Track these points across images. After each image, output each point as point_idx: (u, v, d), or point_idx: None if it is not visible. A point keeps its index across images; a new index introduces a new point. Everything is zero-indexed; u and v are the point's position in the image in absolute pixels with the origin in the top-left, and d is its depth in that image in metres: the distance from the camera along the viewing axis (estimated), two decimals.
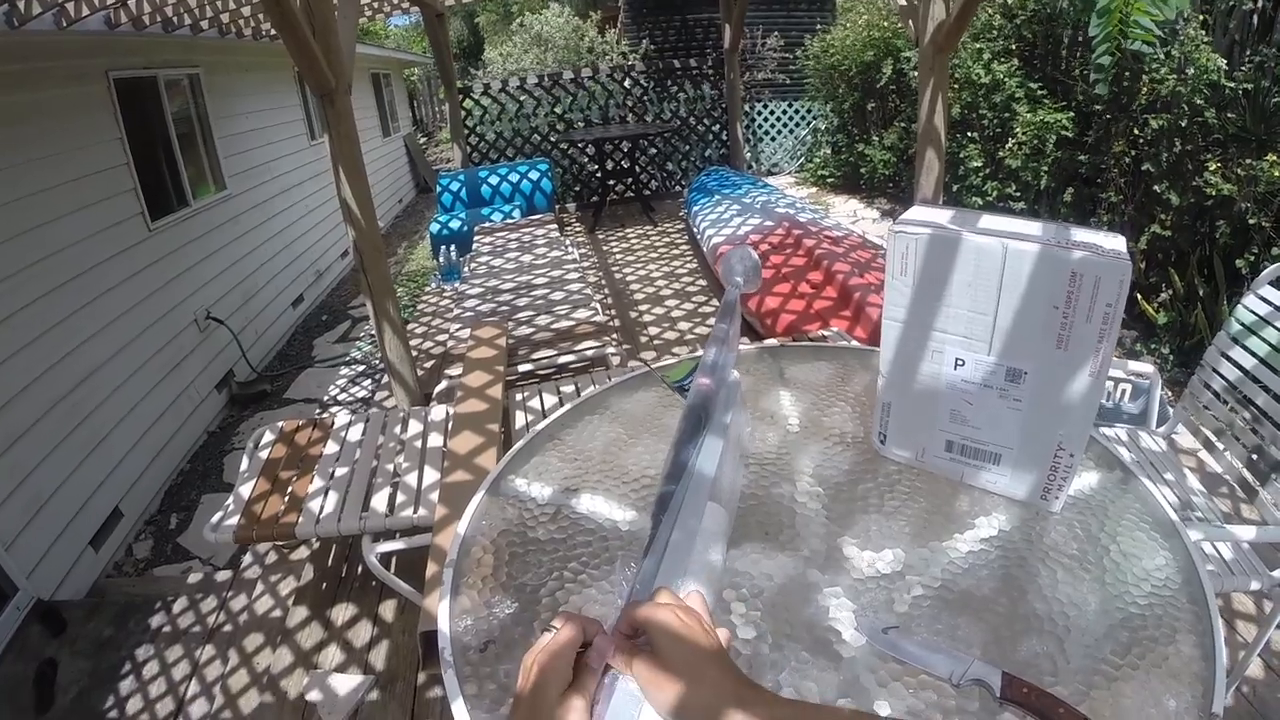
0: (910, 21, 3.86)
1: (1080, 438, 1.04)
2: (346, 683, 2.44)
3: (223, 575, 3.38)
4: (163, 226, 4.99)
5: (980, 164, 6.26)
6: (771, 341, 1.84)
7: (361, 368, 5.90)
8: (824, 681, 0.88)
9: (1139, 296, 4.75)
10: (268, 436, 3.07)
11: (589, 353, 3.65)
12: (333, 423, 3.13)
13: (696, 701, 0.60)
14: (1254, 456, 2.10)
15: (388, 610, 2.77)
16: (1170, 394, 4.00)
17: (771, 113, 10.76)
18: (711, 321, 5.16)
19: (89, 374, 4.01)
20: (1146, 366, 2.51)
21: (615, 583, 1.02)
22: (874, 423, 1.25)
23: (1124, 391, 3.21)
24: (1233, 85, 4.45)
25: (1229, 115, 4.51)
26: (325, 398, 5.50)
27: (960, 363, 1.09)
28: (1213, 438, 2.27)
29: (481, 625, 0.99)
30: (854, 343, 3.30)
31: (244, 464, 2.91)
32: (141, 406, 4.43)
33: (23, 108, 3.82)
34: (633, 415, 1.47)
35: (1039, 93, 5.86)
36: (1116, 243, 0.99)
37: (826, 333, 3.72)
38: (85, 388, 3.96)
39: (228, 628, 2.98)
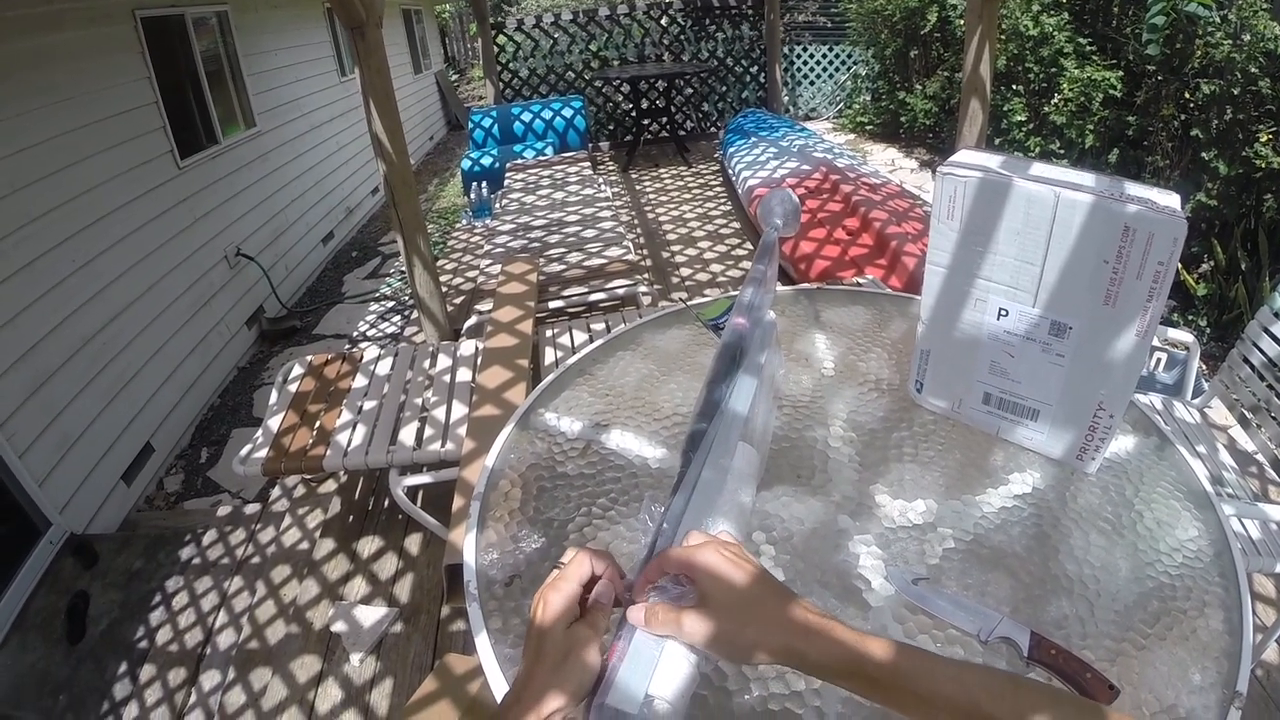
0: None
1: (1122, 399, 1.02)
2: (371, 614, 2.49)
3: (251, 508, 3.44)
4: (192, 164, 4.98)
5: (1024, 118, 6.10)
6: (806, 285, 1.82)
7: (391, 304, 5.92)
8: None
9: (1179, 265, 4.64)
10: (296, 370, 3.09)
11: (620, 291, 3.64)
12: (361, 357, 3.14)
13: (759, 639, 0.60)
14: None
15: (413, 544, 2.81)
16: (1204, 367, 3.92)
17: (811, 56, 10.49)
18: (745, 264, 5.15)
19: (119, 312, 4.05)
20: (1185, 335, 2.45)
21: (641, 521, 1.02)
22: (911, 370, 1.22)
23: (1159, 360, 3.13)
24: None
25: None
26: (355, 333, 5.53)
27: (1004, 313, 1.06)
28: (1248, 414, 2.23)
29: (507, 560, 1.00)
30: (889, 291, 3.25)
31: (273, 397, 2.94)
32: (172, 343, 4.47)
33: (51, 48, 3.79)
34: (665, 352, 1.45)
35: (1088, 49, 5.68)
36: (1171, 200, 0.95)
37: (861, 280, 3.67)
38: (116, 325, 4.00)
39: (256, 560, 3.04)
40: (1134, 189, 0.96)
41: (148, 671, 2.64)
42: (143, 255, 4.32)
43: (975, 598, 0.90)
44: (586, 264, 3.77)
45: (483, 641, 0.88)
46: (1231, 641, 0.86)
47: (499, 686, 0.83)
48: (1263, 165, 4.25)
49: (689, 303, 1.53)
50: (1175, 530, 1.01)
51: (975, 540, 0.98)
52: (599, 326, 3.12)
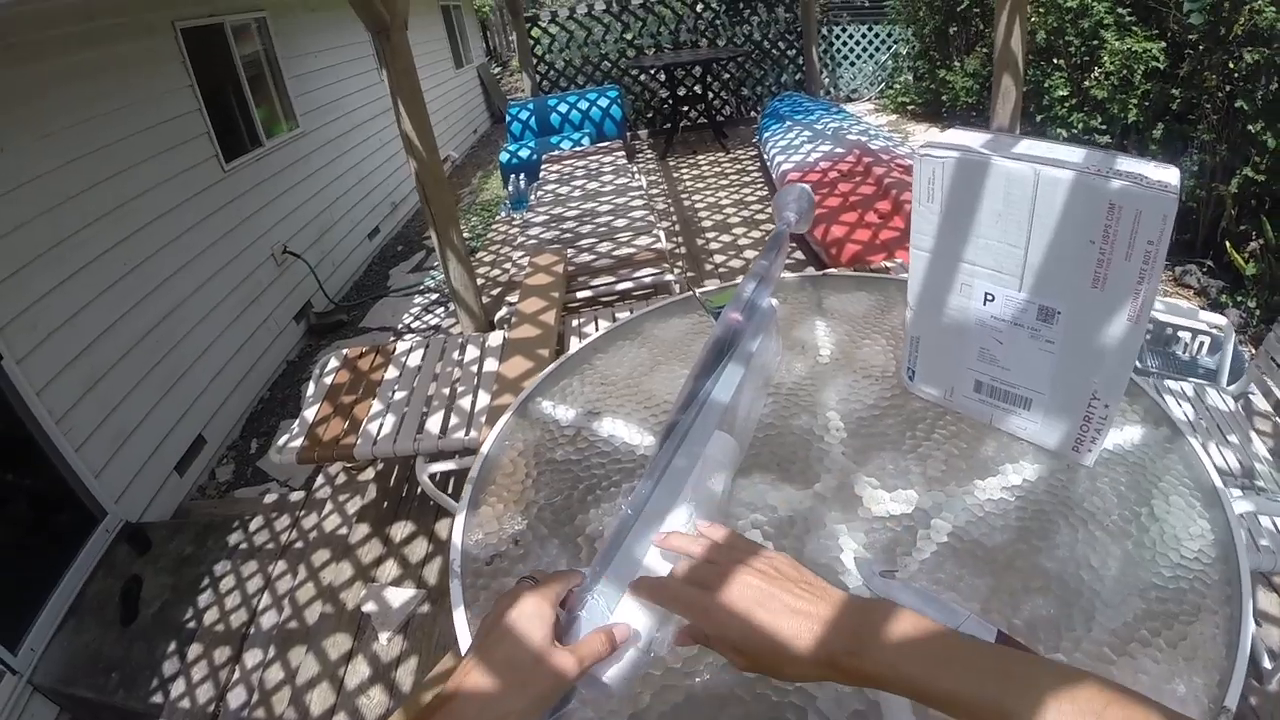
0: None
1: (1116, 387, 0.97)
2: (400, 596, 2.56)
3: (296, 496, 3.55)
4: (237, 167, 5.15)
5: (1065, 93, 5.93)
6: (811, 270, 1.80)
7: (435, 296, 6.03)
8: None
9: (1228, 245, 4.47)
10: (333, 363, 3.18)
11: (648, 280, 3.65)
12: (394, 349, 3.22)
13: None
14: None
15: (443, 528, 2.89)
16: (1254, 351, 3.80)
17: (850, 36, 10.34)
18: None
19: (171, 310, 4.22)
20: (1218, 318, 2.36)
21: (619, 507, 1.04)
22: (903, 357, 1.21)
23: (1201, 344, 3.01)
24: None
25: None
26: (399, 326, 5.65)
27: (990, 298, 1.03)
28: None
29: (490, 539, 1.03)
30: (904, 277, 3.19)
31: (310, 389, 3.03)
32: (223, 339, 4.64)
33: (96, 63, 3.96)
34: (663, 340, 1.46)
35: (1129, 19, 5.49)
36: (1166, 174, 0.88)
37: (890, 264, 3.62)
38: (168, 323, 4.17)
39: (299, 544, 3.15)
40: (1126, 163, 0.91)
41: (195, 650, 2.76)
42: (192, 256, 4.49)
43: (949, 593, 0.87)
44: (616, 253, 3.80)
45: (459, 616, 0.91)
46: (1226, 653, 0.79)
47: None
48: None
49: (698, 290, 1.53)
50: (1176, 527, 0.95)
51: (954, 533, 0.96)
52: (625, 315, 3.13)
